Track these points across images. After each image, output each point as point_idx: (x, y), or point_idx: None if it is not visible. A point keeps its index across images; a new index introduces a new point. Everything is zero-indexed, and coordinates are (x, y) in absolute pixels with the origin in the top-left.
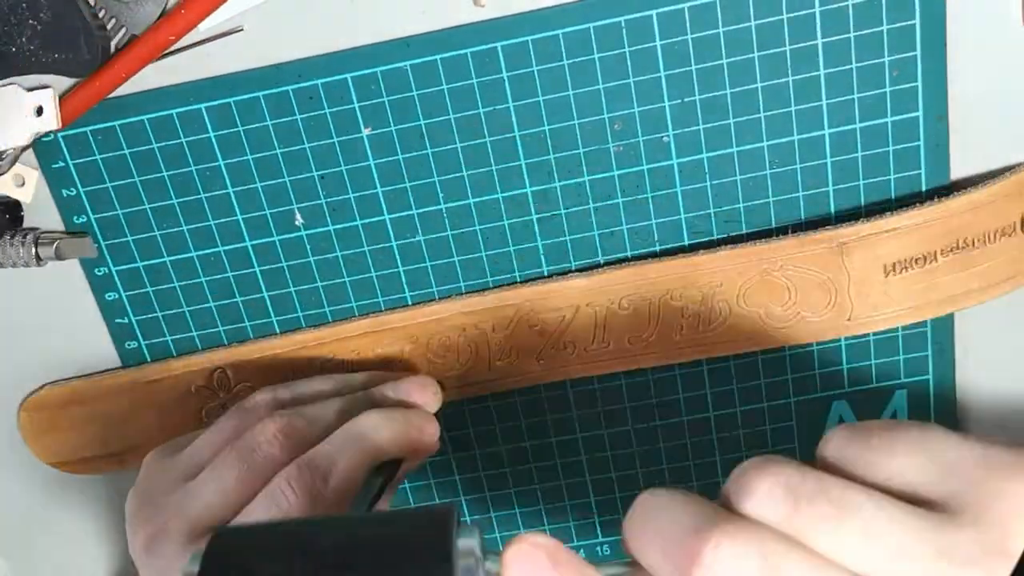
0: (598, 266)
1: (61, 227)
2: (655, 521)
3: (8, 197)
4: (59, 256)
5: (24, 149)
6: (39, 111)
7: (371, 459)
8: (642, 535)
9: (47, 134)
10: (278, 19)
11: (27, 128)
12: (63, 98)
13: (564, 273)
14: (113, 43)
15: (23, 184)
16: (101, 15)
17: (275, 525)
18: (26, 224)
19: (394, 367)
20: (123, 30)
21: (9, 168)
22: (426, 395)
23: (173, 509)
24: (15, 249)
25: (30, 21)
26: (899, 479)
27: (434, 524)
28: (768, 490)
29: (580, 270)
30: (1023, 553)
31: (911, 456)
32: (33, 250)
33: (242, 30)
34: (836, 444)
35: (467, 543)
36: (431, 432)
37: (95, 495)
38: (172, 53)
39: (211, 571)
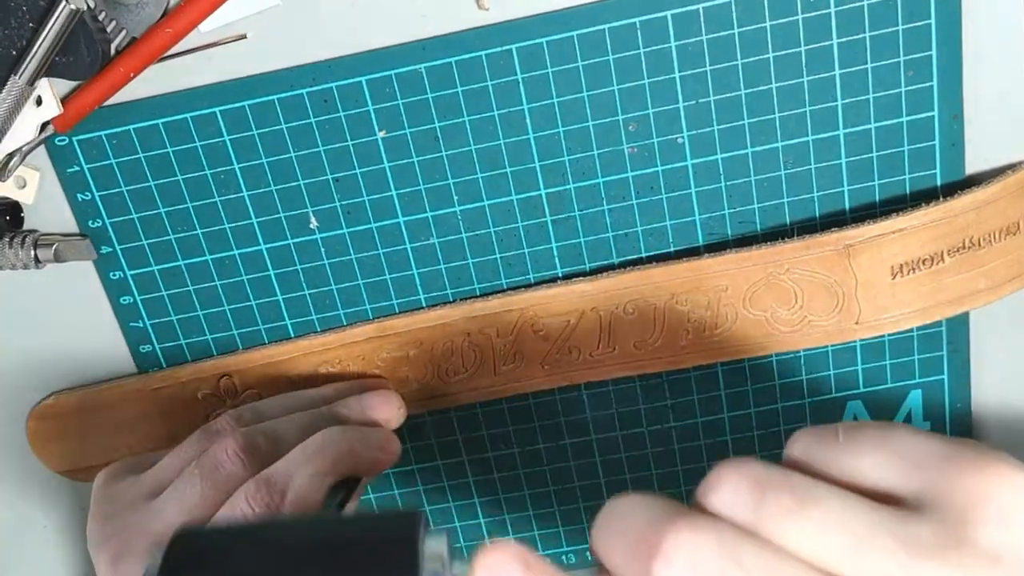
0: (612, 267)
1: (76, 230)
2: (619, 522)
3: (8, 199)
4: (58, 258)
5: (35, 146)
6: (38, 101)
7: (327, 475)
8: (607, 537)
9: (57, 136)
10: (292, 23)
11: (31, 121)
12: (66, 101)
13: (568, 277)
14: (113, 45)
15: (24, 186)
16: (101, 18)
17: (237, 526)
18: (39, 227)
19: (398, 372)
20: (123, 32)
21: (18, 167)
22: (390, 410)
23: (136, 527)
24: (14, 251)
25: (30, 24)
26: (865, 476)
27: (401, 526)
28: (733, 484)
29: (588, 273)
30: None
31: (876, 453)
32: (32, 252)
33: (246, 37)
34: (803, 444)
35: (434, 547)
36: (390, 450)
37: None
38: (174, 56)
39: (172, 566)
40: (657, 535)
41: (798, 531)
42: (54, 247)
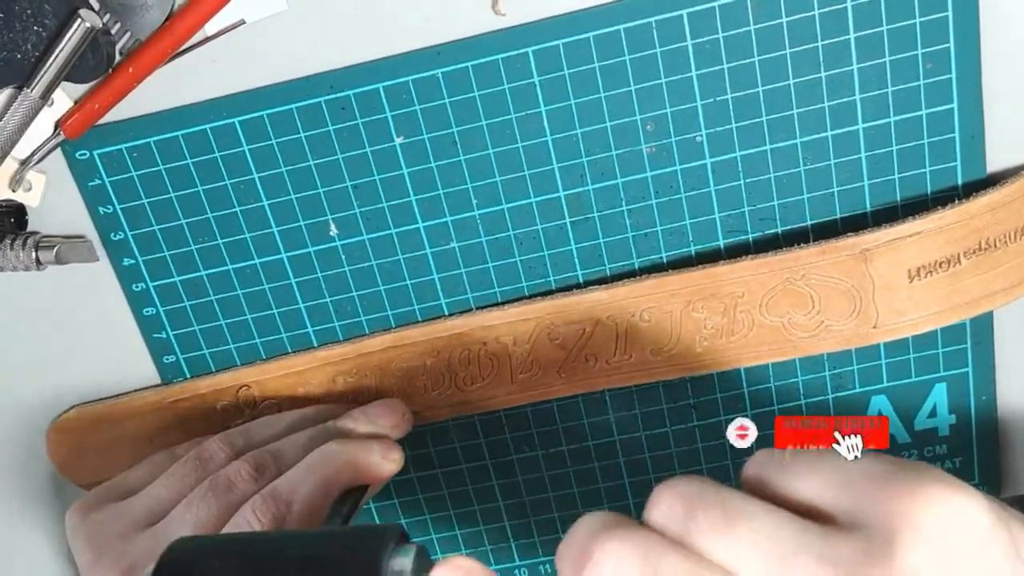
0: (632, 269)
1: (80, 232)
2: (571, 536)
3: (14, 201)
4: (59, 260)
5: (45, 154)
6: (50, 101)
7: (331, 487)
8: (562, 550)
9: (68, 143)
10: (307, 31)
11: (38, 127)
12: (73, 106)
13: (583, 286)
14: (118, 48)
15: (30, 189)
16: (106, 21)
17: (224, 538)
18: (45, 230)
19: (415, 381)
20: (127, 34)
21: (36, 164)
22: (394, 417)
23: (142, 551)
24: (15, 253)
25: (35, 28)
26: (803, 495)
27: (371, 541)
28: (669, 500)
29: (608, 275)
30: None
31: (817, 474)
32: (33, 254)
33: (244, 22)
34: (755, 463)
35: (401, 562)
36: (393, 458)
37: None
38: (180, 54)
39: (163, 572)
40: (590, 543)
41: (724, 545)
42: (55, 249)
